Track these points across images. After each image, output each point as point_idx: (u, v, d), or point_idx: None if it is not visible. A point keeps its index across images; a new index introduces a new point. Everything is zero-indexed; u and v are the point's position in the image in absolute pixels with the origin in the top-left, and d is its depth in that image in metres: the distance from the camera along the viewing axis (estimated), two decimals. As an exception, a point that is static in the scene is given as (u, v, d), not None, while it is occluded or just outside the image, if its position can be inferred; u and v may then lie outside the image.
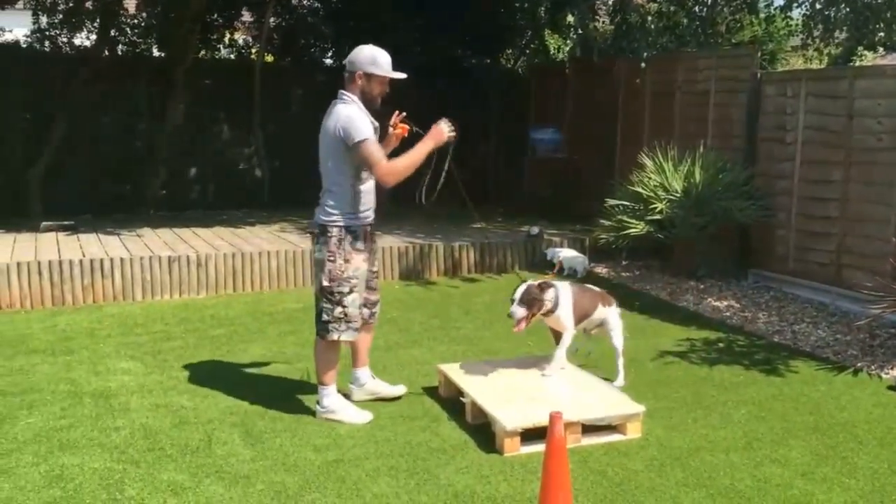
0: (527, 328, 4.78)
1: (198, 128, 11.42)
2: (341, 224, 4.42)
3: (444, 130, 4.51)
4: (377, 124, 4.51)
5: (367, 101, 4.47)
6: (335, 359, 4.57)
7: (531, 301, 4.71)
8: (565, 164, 11.14)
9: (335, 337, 4.48)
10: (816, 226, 7.58)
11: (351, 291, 4.45)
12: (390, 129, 4.66)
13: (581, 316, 4.99)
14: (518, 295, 4.73)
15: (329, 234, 4.42)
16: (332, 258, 4.41)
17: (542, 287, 4.78)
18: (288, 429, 4.44)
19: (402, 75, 4.54)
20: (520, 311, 4.70)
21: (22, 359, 5.67)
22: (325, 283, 4.43)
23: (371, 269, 4.68)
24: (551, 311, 4.82)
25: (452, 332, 6.44)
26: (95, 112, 10.80)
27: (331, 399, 4.56)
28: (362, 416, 4.55)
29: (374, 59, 4.45)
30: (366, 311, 4.69)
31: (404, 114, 4.67)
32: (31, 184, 10.30)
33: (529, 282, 4.84)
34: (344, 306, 4.44)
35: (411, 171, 4.43)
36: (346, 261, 4.42)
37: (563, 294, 4.87)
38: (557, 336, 5.00)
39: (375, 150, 4.36)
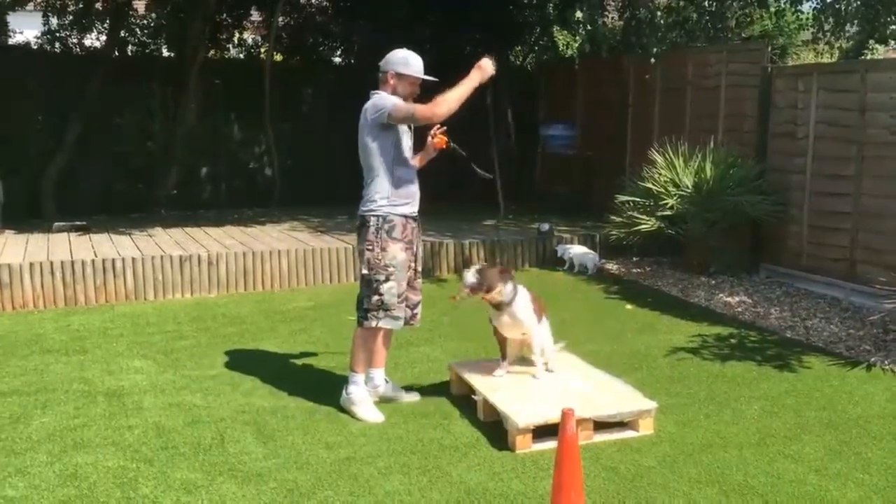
0: (464, 301, 4.71)
1: (209, 128, 11.46)
2: (378, 213, 4.52)
3: (488, 67, 4.55)
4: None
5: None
6: (371, 348, 4.66)
7: (484, 278, 4.58)
8: (576, 160, 11.12)
9: (373, 324, 4.56)
10: (829, 221, 7.54)
11: (388, 279, 4.52)
12: (429, 140, 4.73)
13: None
14: (474, 267, 4.69)
15: (367, 224, 4.54)
16: (370, 247, 4.53)
17: (502, 273, 4.69)
18: (300, 427, 4.45)
19: (433, 78, 4.64)
20: (471, 279, 4.59)
21: (36, 358, 5.70)
22: (364, 272, 4.56)
23: (413, 265, 4.72)
24: (504, 304, 4.64)
25: (463, 329, 6.43)
26: (108, 113, 10.86)
27: (356, 388, 4.63)
28: (375, 416, 4.55)
29: (406, 60, 4.60)
30: (407, 311, 4.73)
31: (444, 128, 4.71)
32: (45, 185, 10.36)
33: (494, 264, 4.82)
34: (380, 294, 4.52)
35: (459, 104, 4.44)
36: (383, 249, 4.51)
37: (521, 292, 4.72)
38: (503, 343, 4.86)
39: (405, 106, 4.47)
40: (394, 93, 4.55)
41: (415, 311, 4.81)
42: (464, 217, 10.25)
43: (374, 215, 4.53)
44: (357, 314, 4.64)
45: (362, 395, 4.63)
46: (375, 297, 4.52)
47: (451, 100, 4.41)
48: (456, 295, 4.75)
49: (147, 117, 11.12)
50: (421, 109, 4.46)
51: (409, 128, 4.63)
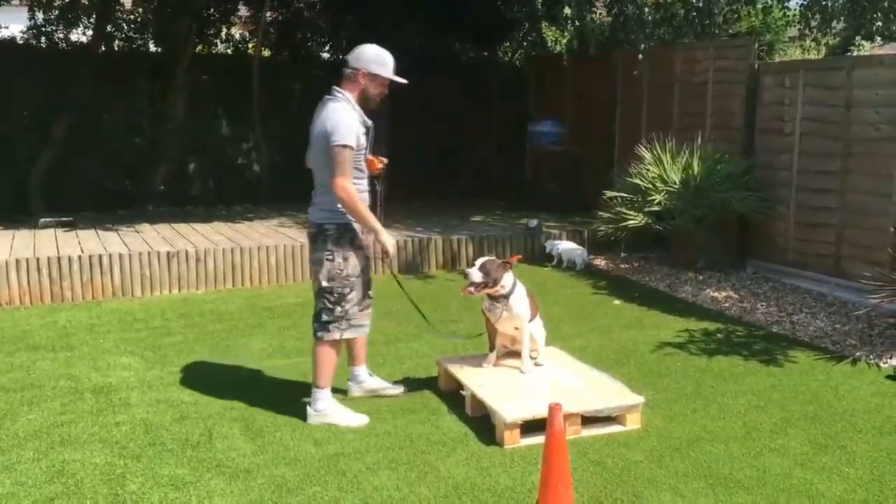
0: (472, 296, 4.69)
1: (197, 123, 11.40)
2: (339, 222, 4.35)
3: (389, 246, 4.41)
4: (371, 123, 4.42)
5: (364, 101, 4.39)
6: (334, 360, 4.51)
7: (488, 272, 4.62)
8: (564, 156, 11.14)
9: (337, 336, 4.43)
10: (815, 216, 7.58)
11: (351, 290, 4.40)
12: (370, 158, 4.50)
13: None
14: (478, 263, 4.70)
15: (327, 233, 4.36)
16: (330, 257, 4.35)
17: (504, 265, 4.71)
18: (288, 423, 4.45)
19: (404, 81, 4.48)
20: (476, 275, 4.62)
21: (22, 355, 5.67)
22: (325, 283, 4.37)
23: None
24: (503, 296, 4.67)
25: (452, 325, 6.44)
26: (95, 109, 10.78)
27: (325, 402, 4.49)
28: (358, 419, 4.47)
29: (381, 59, 4.40)
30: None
31: (386, 161, 4.56)
32: (32, 181, 10.29)
33: (492, 257, 4.81)
34: (344, 305, 4.39)
35: (352, 215, 4.32)
36: (345, 259, 4.36)
37: (519, 285, 4.76)
38: (493, 334, 4.88)
39: (348, 162, 4.23)
40: (363, 92, 4.36)
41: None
42: (452, 213, 10.26)
43: (334, 223, 4.35)
44: (314, 326, 4.47)
45: (334, 406, 4.51)
46: (339, 309, 4.39)
47: (356, 206, 4.26)
48: (461, 290, 4.71)
49: (134, 113, 11.05)
50: (343, 181, 4.21)
51: (368, 136, 4.39)
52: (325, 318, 4.42)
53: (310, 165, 4.47)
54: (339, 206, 4.31)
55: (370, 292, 4.64)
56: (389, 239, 4.43)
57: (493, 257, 4.80)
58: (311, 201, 4.47)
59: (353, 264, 4.40)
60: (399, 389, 4.89)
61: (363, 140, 4.36)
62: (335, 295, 4.38)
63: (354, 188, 4.29)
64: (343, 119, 4.24)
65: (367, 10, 11.10)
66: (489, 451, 4.11)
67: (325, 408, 4.48)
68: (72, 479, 3.81)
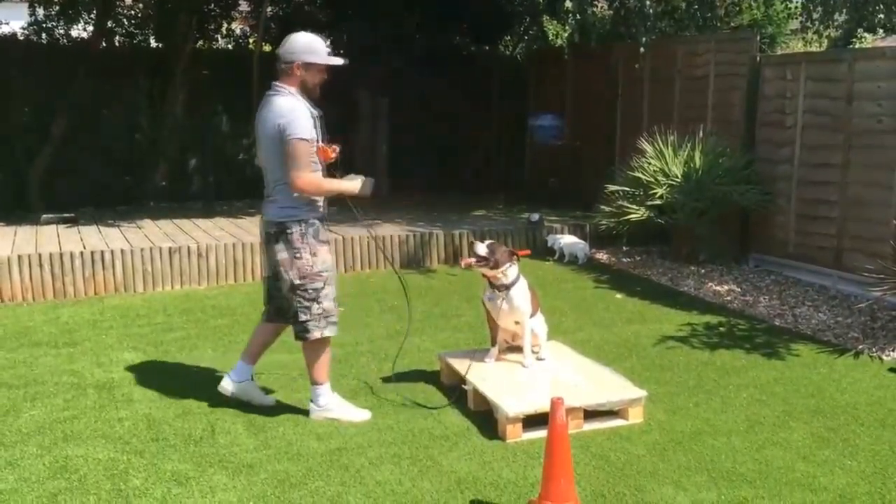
0: (469, 269, 4.72)
1: (197, 119, 11.39)
2: (300, 218, 4.26)
3: (353, 187, 4.39)
4: (318, 112, 4.35)
5: (306, 91, 4.30)
6: (327, 354, 4.46)
7: (493, 252, 4.62)
8: (565, 150, 11.13)
9: (317, 335, 4.35)
10: (817, 209, 7.58)
11: (325, 286, 4.33)
12: (324, 147, 4.39)
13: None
14: (486, 242, 4.72)
15: (290, 231, 4.25)
16: (298, 255, 4.26)
17: (511, 254, 4.71)
18: (290, 418, 4.46)
19: (340, 61, 4.37)
20: (482, 248, 4.63)
21: (25, 351, 5.68)
22: (298, 281, 4.28)
23: None
24: (504, 286, 4.67)
25: (454, 319, 6.44)
26: (95, 105, 10.78)
27: (326, 398, 4.45)
28: (361, 414, 4.45)
29: (312, 47, 4.27)
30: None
31: (338, 148, 4.44)
32: (33, 177, 10.29)
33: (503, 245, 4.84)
34: (320, 302, 4.31)
35: (322, 196, 4.32)
36: (314, 255, 4.28)
37: (522, 280, 4.75)
38: (494, 329, 4.87)
39: (307, 155, 4.18)
40: (302, 84, 4.25)
41: None
42: (453, 207, 10.25)
43: (296, 220, 4.25)
44: (294, 328, 4.39)
45: (336, 401, 4.47)
46: (316, 307, 4.31)
47: (321, 188, 4.27)
48: (461, 259, 4.72)
49: (134, 110, 11.04)
50: (303, 173, 4.16)
51: (317, 127, 4.30)
52: (302, 318, 4.33)
53: (261, 164, 4.38)
54: (299, 201, 4.25)
55: None
56: (354, 183, 4.36)
57: (504, 245, 4.81)
58: (267, 199, 4.37)
59: (321, 259, 4.33)
60: (270, 401, 4.67)
61: (314, 132, 4.30)
62: (310, 292, 4.30)
63: (317, 177, 4.26)
64: (296, 113, 4.18)
65: (367, 5, 11.08)
66: (491, 446, 4.11)
67: (327, 403, 4.45)
68: (75, 474, 3.82)
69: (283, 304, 4.42)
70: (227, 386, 4.57)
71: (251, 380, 4.62)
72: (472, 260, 4.66)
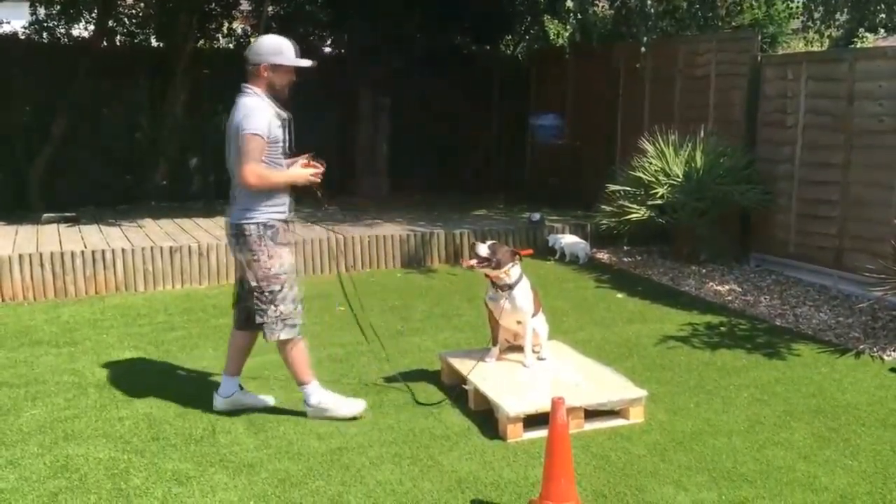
0: (472, 270, 4.71)
1: (198, 118, 11.39)
2: (258, 220, 4.22)
3: (303, 175, 4.34)
4: (286, 115, 4.32)
5: (275, 93, 4.28)
6: (302, 352, 4.41)
7: (495, 252, 4.62)
8: (566, 150, 11.13)
9: (274, 337, 4.32)
10: (818, 209, 7.57)
11: (282, 288, 4.28)
12: (303, 166, 4.41)
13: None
14: (488, 242, 4.71)
15: (247, 233, 4.22)
16: (255, 257, 4.23)
17: (513, 254, 4.71)
18: (291, 417, 4.46)
19: (308, 62, 4.35)
20: (483, 249, 4.63)
21: (26, 350, 5.68)
22: (254, 283, 4.26)
23: None
24: (507, 286, 4.66)
25: (454, 319, 6.44)
26: (96, 104, 10.78)
27: (317, 395, 4.43)
28: (356, 406, 4.44)
29: (278, 49, 4.26)
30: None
31: (311, 160, 4.46)
32: (33, 176, 10.29)
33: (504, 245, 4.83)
34: (277, 305, 4.27)
35: (271, 188, 4.23)
36: (271, 257, 4.24)
37: (524, 280, 4.75)
38: (496, 328, 4.86)
39: (257, 149, 4.13)
40: (269, 85, 4.24)
41: None
42: (453, 207, 10.26)
43: (253, 223, 4.21)
44: (265, 331, 4.33)
45: (328, 398, 4.44)
46: (272, 309, 4.27)
47: (270, 180, 4.21)
48: (463, 261, 4.71)
49: (135, 109, 11.04)
50: (252, 167, 4.11)
51: (285, 129, 4.29)
52: (259, 320, 4.30)
53: (229, 166, 4.32)
54: (258, 202, 4.20)
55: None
56: (303, 171, 4.33)
57: (505, 245, 4.80)
58: (231, 202, 4.33)
59: (280, 262, 4.27)
60: (269, 401, 4.65)
61: (279, 133, 4.26)
62: (266, 295, 4.26)
63: (265, 170, 4.17)
64: (254, 110, 4.16)
65: (368, 5, 11.08)
66: (492, 445, 4.11)
67: (319, 401, 4.42)
68: (76, 473, 3.82)
69: (250, 307, 4.37)
70: (217, 404, 4.55)
71: (240, 390, 4.59)
72: (474, 261, 4.66)
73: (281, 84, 4.29)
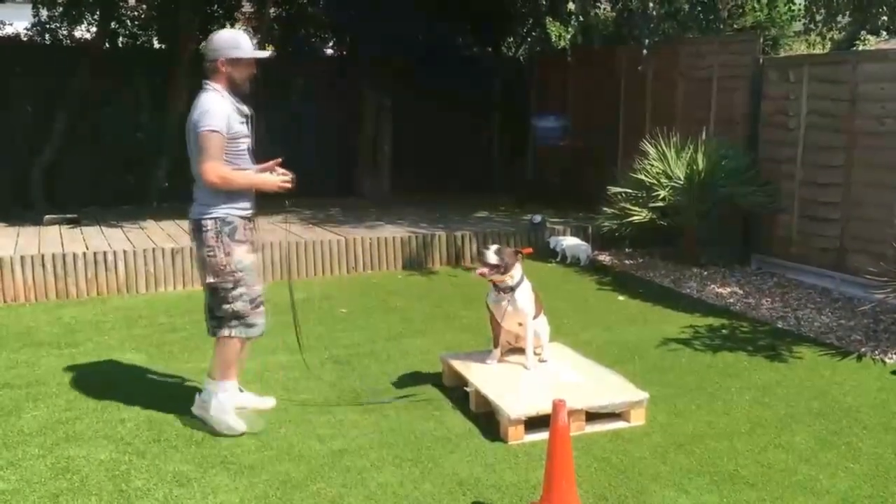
0: (484, 279, 4.67)
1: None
2: (215, 216, 4.16)
3: (273, 182, 4.25)
4: (249, 112, 4.28)
5: (235, 87, 4.22)
6: (235, 354, 4.36)
7: (503, 257, 4.61)
8: (568, 151, 11.13)
9: (226, 334, 4.27)
10: (819, 211, 7.57)
11: (236, 286, 4.21)
12: (273, 175, 4.35)
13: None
14: (493, 247, 4.68)
15: (205, 229, 4.17)
16: (211, 253, 4.18)
17: (516, 254, 4.71)
18: (292, 419, 4.46)
19: (267, 54, 4.34)
20: (493, 257, 4.60)
21: (27, 351, 5.68)
22: (209, 280, 4.21)
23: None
24: (510, 288, 4.66)
25: (455, 321, 6.44)
26: (98, 105, 10.80)
27: (215, 395, 4.31)
28: (237, 425, 4.26)
29: (235, 42, 4.21)
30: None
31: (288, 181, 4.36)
32: (35, 177, 10.31)
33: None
34: (230, 302, 4.22)
35: (231, 188, 4.16)
36: (227, 254, 4.17)
37: (525, 280, 4.75)
38: (497, 330, 4.85)
39: (216, 146, 4.06)
40: (229, 80, 4.18)
41: None
42: (455, 208, 10.25)
43: (210, 218, 4.15)
44: (208, 324, 4.35)
45: (221, 403, 4.31)
46: (226, 307, 4.22)
47: (232, 182, 4.13)
48: (477, 271, 4.66)
49: (137, 109, 11.05)
50: (212, 165, 4.06)
51: (247, 125, 4.25)
52: (217, 314, 4.27)
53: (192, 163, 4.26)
54: (216, 198, 4.16)
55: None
56: (273, 177, 4.24)
57: (507, 247, 4.79)
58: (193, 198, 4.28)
59: (236, 259, 4.20)
60: (270, 402, 4.64)
61: (240, 128, 4.21)
62: (220, 292, 4.21)
63: (222, 169, 4.10)
64: (212, 106, 4.10)
65: (370, 6, 11.09)
66: (493, 448, 4.11)
67: (209, 400, 4.32)
68: (77, 475, 3.82)
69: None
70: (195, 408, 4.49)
71: (240, 391, 4.56)
72: (486, 270, 4.62)
73: (241, 78, 4.22)
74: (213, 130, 4.06)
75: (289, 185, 4.30)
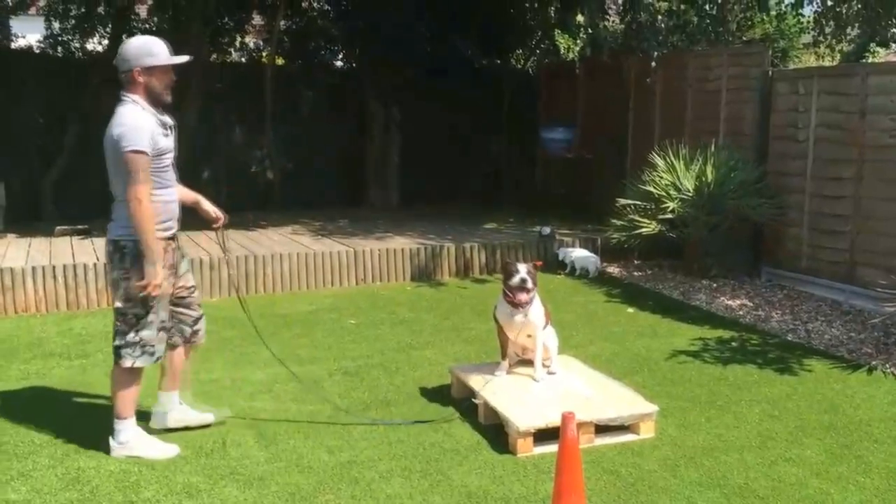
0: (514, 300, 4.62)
1: (210, 131, 11.46)
2: (136, 238, 3.87)
3: (156, 272, 3.87)
4: (172, 122, 4.09)
5: (154, 98, 3.98)
6: (134, 388, 4.11)
7: (534, 277, 4.60)
8: (576, 163, 11.14)
9: (129, 363, 4.01)
10: (829, 223, 7.55)
11: (149, 313, 3.97)
12: (208, 212, 4.40)
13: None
14: (523, 269, 4.59)
15: (124, 250, 3.91)
16: (127, 276, 3.91)
17: (534, 267, 4.68)
18: (301, 430, 4.46)
19: (184, 59, 4.04)
20: (531, 283, 4.57)
21: (38, 362, 5.71)
22: (119, 304, 3.97)
23: (185, 284, 4.27)
24: (527, 303, 4.64)
25: (464, 332, 6.44)
26: (108, 117, 10.82)
27: (128, 433, 4.11)
28: (167, 450, 4.12)
29: (148, 50, 3.95)
30: (187, 329, 4.32)
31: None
32: (46, 188, 10.37)
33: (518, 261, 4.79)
34: (139, 330, 3.98)
35: (137, 227, 3.84)
36: (143, 278, 3.88)
37: (535, 294, 4.72)
38: (505, 342, 4.83)
39: (143, 169, 3.81)
40: (147, 90, 3.93)
41: (196, 328, 4.36)
42: (464, 220, 10.26)
43: (131, 239, 3.87)
44: (116, 355, 4.06)
45: (139, 438, 4.13)
46: (133, 334, 3.96)
47: (141, 220, 3.80)
48: (522, 302, 4.57)
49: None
50: (139, 190, 3.79)
51: (170, 136, 4.04)
52: (117, 342, 4.02)
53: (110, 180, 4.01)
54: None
55: (196, 312, 4.35)
56: (153, 274, 3.85)
57: (522, 262, 4.76)
58: (111, 216, 4.04)
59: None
60: (209, 418, 4.47)
61: (165, 143, 3.99)
62: (129, 318, 3.97)
63: (150, 199, 3.84)
64: (131, 122, 3.85)
65: (380, 19, 11.14)
66: (502, 460, 4.10)
67: (128, 439, 4.10)
68: (87, 486, 3.83)
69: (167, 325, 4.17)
70: (157, 423, 4.41)
71: (180, 404, 4.46)
72: (527, 296, 4.57)
73: (160, 87, 3.97)
74: (138, 151, 3.81)
75: (155, 293, 3.93)
